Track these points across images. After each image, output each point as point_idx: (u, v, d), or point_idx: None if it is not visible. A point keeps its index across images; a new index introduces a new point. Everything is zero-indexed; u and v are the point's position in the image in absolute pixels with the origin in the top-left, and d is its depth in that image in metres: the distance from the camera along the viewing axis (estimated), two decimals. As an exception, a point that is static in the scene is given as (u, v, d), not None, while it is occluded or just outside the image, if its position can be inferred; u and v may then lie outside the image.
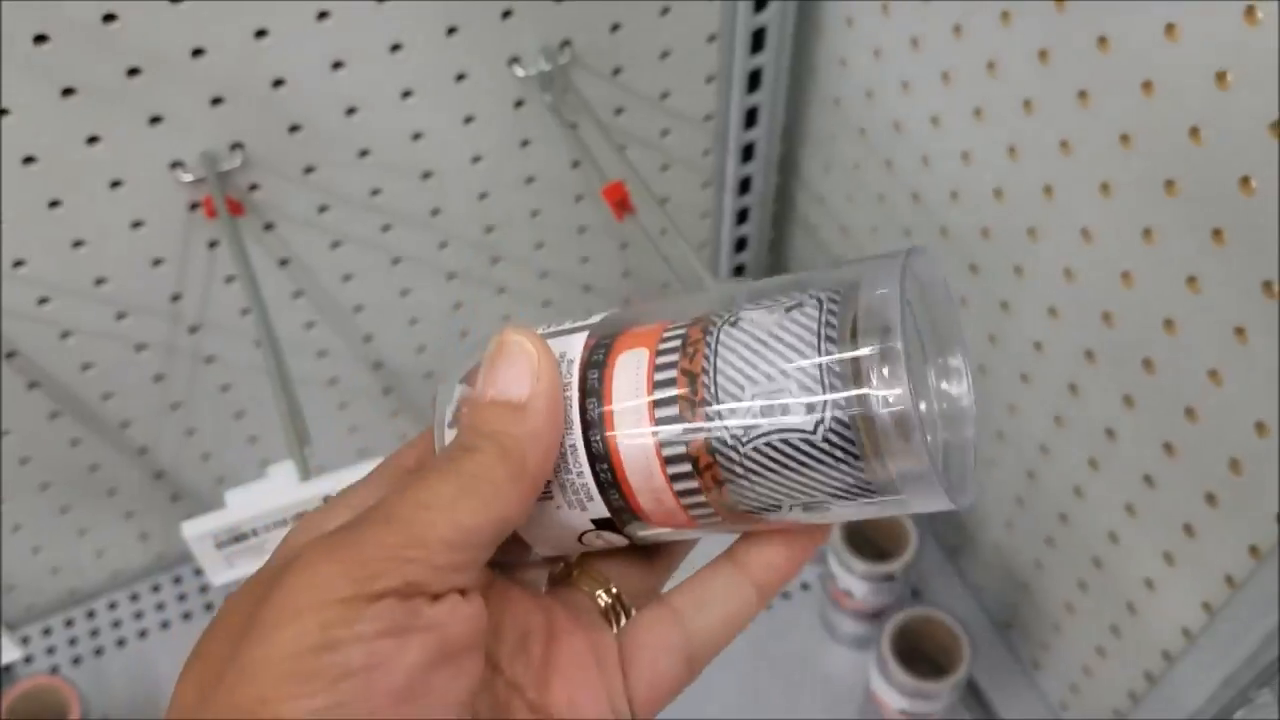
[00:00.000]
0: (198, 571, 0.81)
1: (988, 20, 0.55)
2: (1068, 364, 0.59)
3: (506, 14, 0.59)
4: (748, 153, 0.75)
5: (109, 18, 0.50)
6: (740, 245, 0.83)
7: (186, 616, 0.79)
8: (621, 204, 0.58)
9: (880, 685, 0.66)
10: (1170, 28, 0.44)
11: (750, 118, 0.73)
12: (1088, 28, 0.49)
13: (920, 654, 0.67)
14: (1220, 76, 0.43)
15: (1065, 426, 0.61)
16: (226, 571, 0.47)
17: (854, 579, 0.69)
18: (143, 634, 0.79)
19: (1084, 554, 0.63)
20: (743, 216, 0.81)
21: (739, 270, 0.86)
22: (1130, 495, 0.58)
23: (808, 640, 0.77)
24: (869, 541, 0.70)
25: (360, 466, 0.45)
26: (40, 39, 0.50)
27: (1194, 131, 0.45)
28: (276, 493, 0.45)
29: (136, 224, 0.59)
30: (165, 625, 0.79)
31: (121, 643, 0.78)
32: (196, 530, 0.45)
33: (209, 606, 0.80)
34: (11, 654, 0.59)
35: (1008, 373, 0.64)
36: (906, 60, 0.63)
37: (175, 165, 0.57)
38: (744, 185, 0.78)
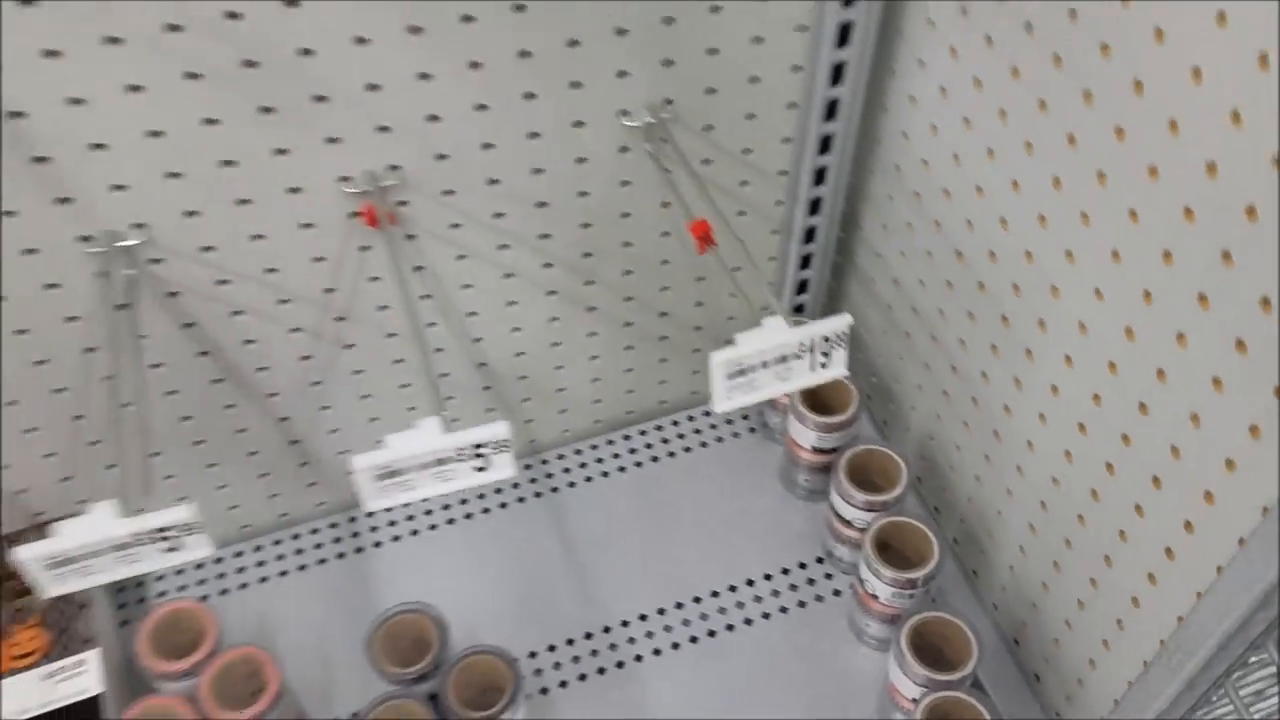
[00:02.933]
0: (314, 530, 0.90)
1: (1028, 107, 0.62)
2: (1078, 406, 0.65)
3: (622, 74, 0.68)
4: (815, 206, 0.83)
5: (306, 51, 0.60)
6: (801, 287, 0.91)
7: (302, 568, 0.88)
8: (705, 238, 0.66)
9: (897, 676, 0.72)
10: (1174, 124, 0.51)
11: (819, 176, 0.80)
12: (1106, 122, 0.56)
13: (935, 652, 0.73)
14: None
15: (1072, 462, 0.67)
16: (380, 499, 0.55)
17: (881, 584, 0.75)
18: (263, 580, 0.87)
19: (1084, 575, 0.69)
20: (805, 262, 0.88)
21: (799, 309, 0.93)
22: (1123, 523, 0.63)
23: (837, 640, 0.83)
24: (897, 552, 0.76)
25: (492, 426, 0.54)
26: (249, 64, 0.59)
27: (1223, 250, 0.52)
28: (424, 440, 0.53)
29: (306, 225, 0.68)
30: (283, 574, 0.88)
31: (244, 586, 0.87)
32: (364, 463, 0.54)
33: (321, 561, 0.89)
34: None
35: (1028, 412, 0.71)
36: (959, 136, 0.70)
37: (343, 179, 0.67)
38: (809, 234, 0.86)
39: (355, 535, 0.90)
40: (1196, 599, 0.57)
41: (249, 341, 0.74)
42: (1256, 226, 0.47)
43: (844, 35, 0.71)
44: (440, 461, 0.54)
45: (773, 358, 0.54)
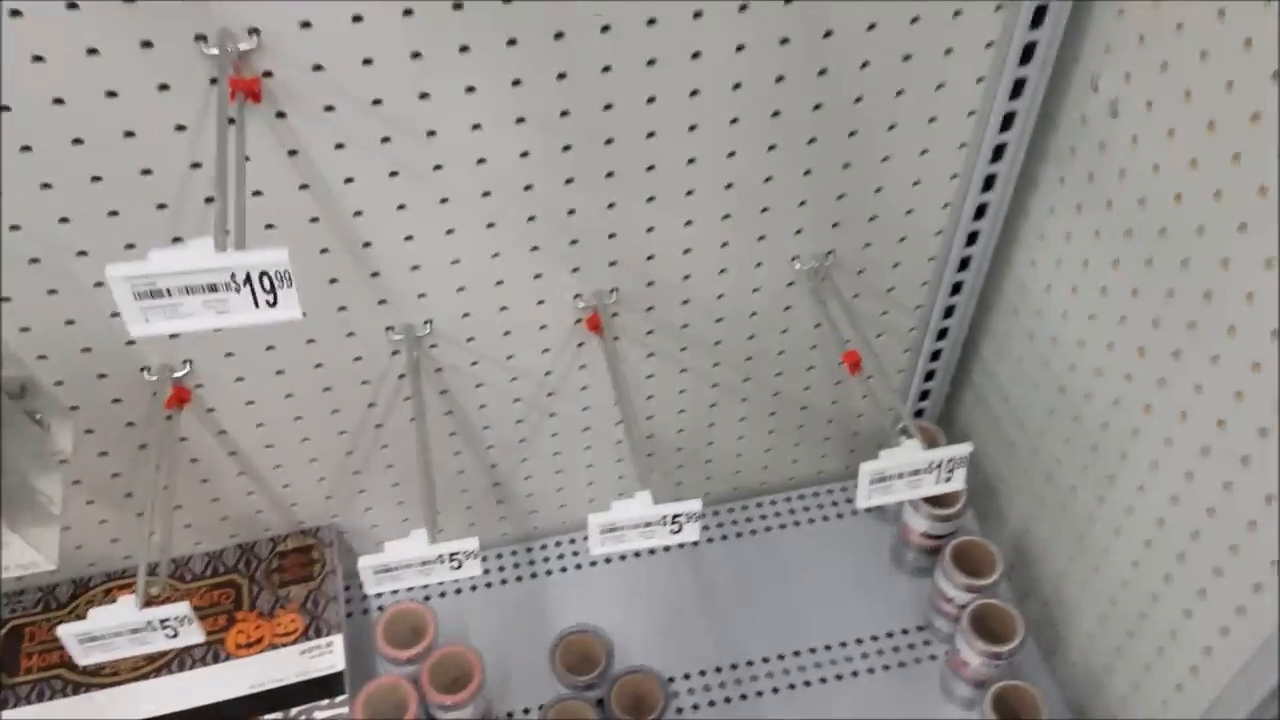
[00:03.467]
0: (499, 555, 1.10)
1: (1126, 272, 0.78)
2: (1147, 528, 0.80)
3: (799, 231, 0.86)
4: (942, 334, 1.00)
5: (570, 212, 0.80)
6: (923, 395, 1.07)
7: (489, 585, 1.08)
8: (855, 365, 0.83)
9: (979, 733, 0.88)
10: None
11: (948, 311, 0.97)
12: (1193, 288, 0.72)
13: (1012, 715, 0.88)
14: None
15: (1137, 568, 0.82)
16: (604, 547, 0.72)
17: (973, 654, 0.91)
18: (458, 592, 1.07)
19: (1140, 662, 0.84)
20: (929, 376, 1.04)
21: (919, 413, 1.09)
22: (1185, 611, 0.78)
23: (929, 698, 0.98)
24: (988, 628, 0.92)
25: (689, 503, 0.71)
26: (531, 219, 0.79)
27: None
28: (639, 510, 0.71)
29: (542, 326, 0.88)
30: (473, 589, 1.07)
31: (442, 595, 1.07)
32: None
33: (503, 582, 1.08)
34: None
35: (1109, 525, 0.86)
36: (1067, 299, 0.86)
37: (577, 296, 0.86)
38: (935, 355, 1.02)
39: (531, 563, 1.09)
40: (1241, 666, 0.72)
41: (482, 406, 0.94)
42: (1289, 420, 0.62)
43: (979, 211, 0.88)
44: (647, 524, 0.72)
45: (907, 471, 0.71)
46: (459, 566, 0.71)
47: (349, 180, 0.73)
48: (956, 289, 0.95)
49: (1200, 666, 0.76)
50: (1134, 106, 0.73)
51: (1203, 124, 0.66)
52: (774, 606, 1.04)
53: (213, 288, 0.49)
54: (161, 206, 0.70)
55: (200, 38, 0.61)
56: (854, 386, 1.04)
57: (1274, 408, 0.64)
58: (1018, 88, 0.79)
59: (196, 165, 0.68)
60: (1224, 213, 0.66)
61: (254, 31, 0.62)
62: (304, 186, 0.72)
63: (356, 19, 0.63)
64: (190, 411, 0.84)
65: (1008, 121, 0.81)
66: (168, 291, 0.48)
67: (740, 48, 0.71)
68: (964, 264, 0.93)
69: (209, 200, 0.70)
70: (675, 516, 0.70)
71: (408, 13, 0.64)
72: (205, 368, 0.83)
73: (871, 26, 0.72)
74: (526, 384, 0.93)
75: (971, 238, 0.90)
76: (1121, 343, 0.80)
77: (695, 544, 1.10)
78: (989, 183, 0.86)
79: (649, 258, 0.85)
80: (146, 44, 0.61)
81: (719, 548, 1.10)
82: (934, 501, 0.99)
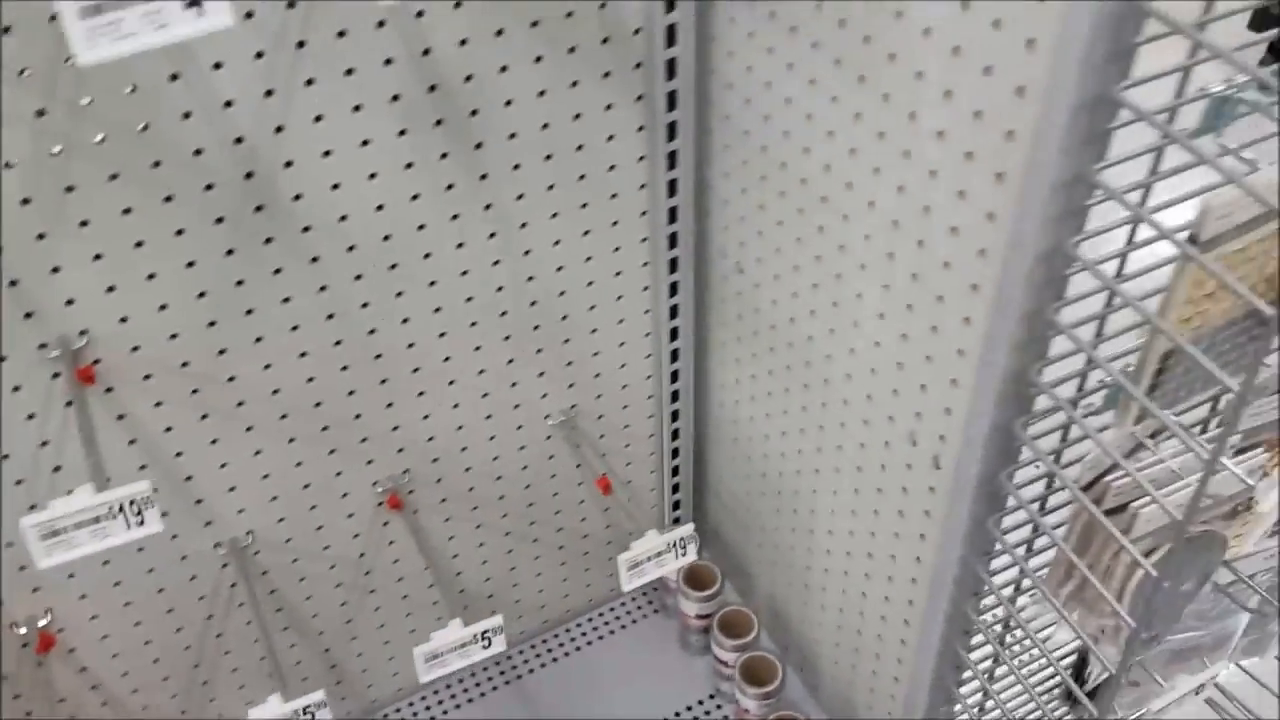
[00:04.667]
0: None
1: (779, 382, 1.04)
2: (838, 575, 1.05)
3: (544, 395, 1.08)
4: (676, 453, 1.24)
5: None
6: (676, 505, 1.30)
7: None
8: (606, 488, 1.05)
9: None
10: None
11: (675, 435, 1.21)
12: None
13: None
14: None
15: (847, 595, 1.06)
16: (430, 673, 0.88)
17: (749, 700, 1.11)
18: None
19: (867, 676, 1.07)
20: (676, 489, 1.28)
21: (676, 520, 1.32)
22: (877, 636, 1.02)
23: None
24: (758, 677, 1.12)
25: (492, 619, 0.89)
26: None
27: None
28: (451, 636, 0.88)
29: (350, 515, 1.04)
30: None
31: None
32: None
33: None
34: None
35: (818, 574, 1.10)
36: (761, 422, 1.12)
37: (375, 483, 1.03)
38: (676, 470, 1.26)
39: None
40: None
41: (308, 598, 1.08)
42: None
43: (674, 377, 1.14)
44: (462, 644, 0.89)
45: (654, 554, 0.93)
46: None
47: (168, 429, 0.88)
48: (676, 416, 1.20)
49: (899, 675, 1.00)
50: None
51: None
52: (594, 699, 1.21)
53: (96, 519, 0.64)
54: (19, 482, 0.83)
55: (42, 345, 0.77)
56: (620, 509, 1.26)
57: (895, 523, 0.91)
58: (675, 267, 1.06)
59: (44, 444, 0.82)
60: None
61: (83, 333, 0.78)
62: (132, 442, 0.87)
63: (163, 307, 0.81)
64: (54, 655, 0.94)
65: (674, 289, 1.08)
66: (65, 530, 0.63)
67: (464, 273, 0.94)
68: (675, 396, 1.18)
69: (56, 469, 0.84)
70: (484, 633, 0.87)
71: (201, 295, 0.82)
72: (62, 613, 0.93)
73: (557, 242, 0.97)
74: (345, 569, 1.08)
75: (674, 376, 1.16)
76: (789, 451, 1.06)
77: (520, 678, 1.26)
78: (675, 332, 1.12)
79: (429, 439, 1.04)
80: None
81: (540, 676, 1.26)
82: (696, 586, 1.20)
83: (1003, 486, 0.75)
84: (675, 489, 1.28)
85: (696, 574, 1.23)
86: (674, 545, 0.93)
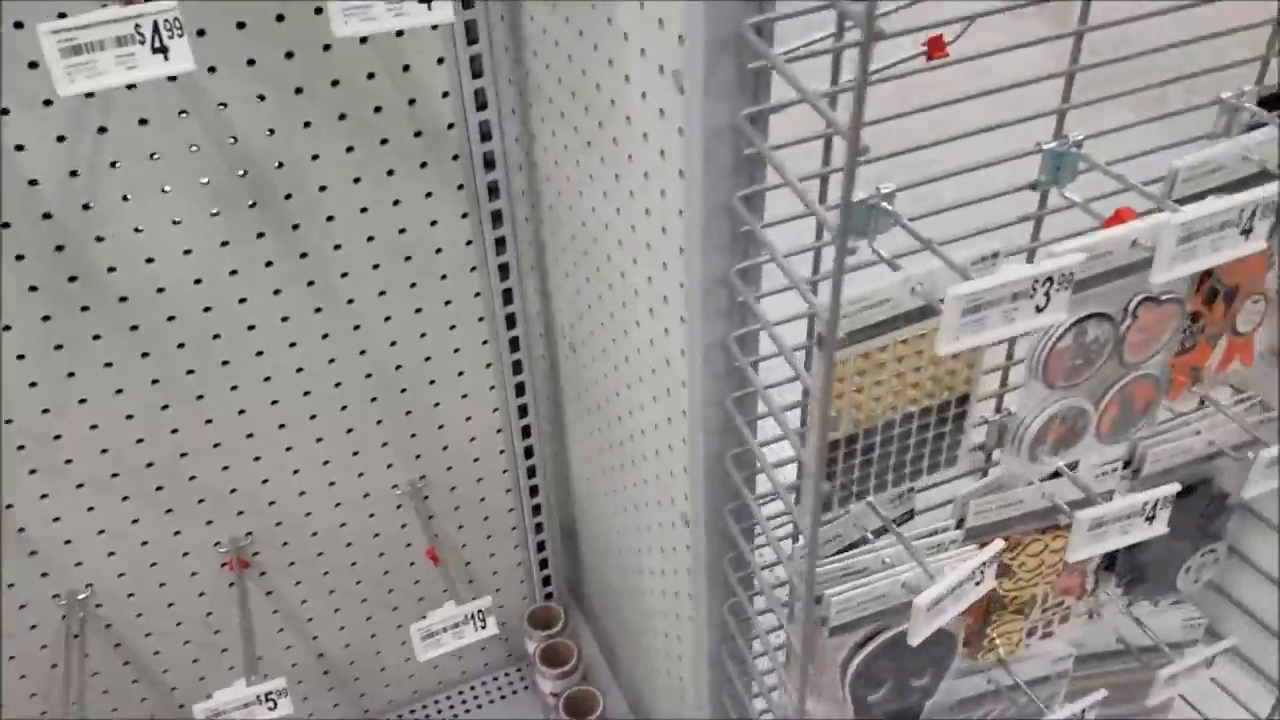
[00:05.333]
0: None
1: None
2: (662, 617, 1.05)
3: (389, 465, 1.12)
4: (540, 528, 1.25)
5: (193, 478, 1.02)
6: (546, 580, 1.31)
7: None
8: (434, 559, 1.07)
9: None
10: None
11: (536, 510, 1.23)
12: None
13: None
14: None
15: (668, 639, 1.06)
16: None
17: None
18: None
19: (676, 674, 1.06)
20: (544, 564, 1.29)
21: (549, 596, 1.33)
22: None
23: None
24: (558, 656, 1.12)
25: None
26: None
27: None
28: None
29: (193, 573, 1.08)
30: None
31: None
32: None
33: None
34: None
35: (652, 634, 1.10)
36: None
37: (217, 544, 1.07)
38: (541, 545, 1.27)
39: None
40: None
41: (156, 652, 1.11)
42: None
43: (529, 453, 1.17)
44: (245, 704, 0.91)
45: (451, 624, 0.94)
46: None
47: (-1, 482, 0.94)
48: (536, 491, 1.22)
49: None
50: (582, 345, 1.04)
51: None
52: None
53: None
54: None
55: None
56: (485, 583, 1.27)
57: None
58: (517, 346, 1.10)
59: None
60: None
61: None
62: (-42, 491, 0.92)
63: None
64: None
65: (518, 367, 1.12)
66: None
67: (292, 344, 0.98)
68: (532, 472, 1.20)
69: None
70: (269, 694, 0.90)
71: (20, 356, 0.88)
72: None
73: (388, 319, 1.02)
74: (192, 627, 1.12)
75: (529, 451, 1.18)
76: (626, 528, 1.07)
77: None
78: (524, 409, 1.15)
79: (270, 503, 1.08)
80: None
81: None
82: (550, 664, 1.21)
83: (729, 575, 0.76)
84: (544, 564, 1.29)
85: (556, 651, 1.24)
86: (472, 617, 0.94)
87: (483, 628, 0.94)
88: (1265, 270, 0.72)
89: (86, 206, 0.84)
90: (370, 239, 0.96)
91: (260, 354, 0.98)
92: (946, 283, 0.52)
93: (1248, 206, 0.52)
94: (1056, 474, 0.70)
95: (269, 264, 0.93)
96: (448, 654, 1.29)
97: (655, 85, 0.65)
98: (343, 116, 0.89)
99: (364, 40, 0.87)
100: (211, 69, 0.83)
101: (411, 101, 0.91)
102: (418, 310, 1.03)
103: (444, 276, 1.02)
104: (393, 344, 1.03)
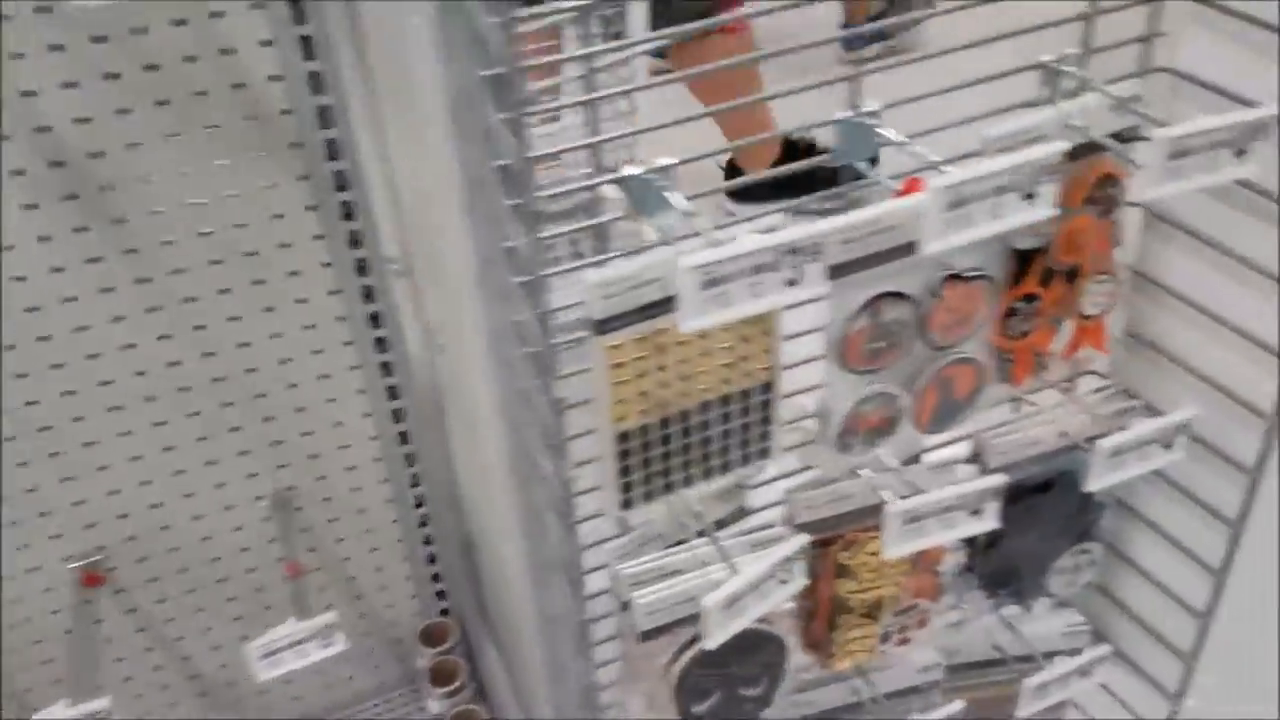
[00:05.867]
0: None
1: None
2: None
3: (252, 475, 1.06)
4: (428, 541, 1.20)
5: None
6: (440, 595, 1.25)
7: None
8: (295, 573, 1.01)
9: None
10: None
11: (423, 521, 1.18)
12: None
13: None
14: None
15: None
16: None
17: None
18: None
19: None
20: (436, 577, 1.23)
21: (444, 611, 1.27)
22: None
23: None
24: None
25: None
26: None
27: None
28: None
29: (47, 589, 1.02)
30: None
31: None
32: None
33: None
34: None
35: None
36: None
37: (67, 558, 1.02)
38: (436, 577, 1.21)
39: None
40: None
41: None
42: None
43: (410, 460, 1.11)
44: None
45: (294, 641, 0.89)
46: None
47: None
48: (421, 501, 1.16)
49: None
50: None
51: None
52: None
53: None
54: None
55: None
56: (373, 597, 1.22)
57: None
58: (385, 346, 1.05)
59: None
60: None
61: None
62: None
63: None
64: None
65: (388, 368, 1.06)
66: None
67: (129, 346, 0.93)
68: (415, 481, 1.15)
69: None
70: (96, 714, 0.84)
71: None
72: None
73: (235, 319, 0.96)
74: (51, 646, 1.06)
75: (410, 459, 1.13)
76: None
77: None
78: (399, 414, 1.10)
79: (122, 516, 1.02)
80: None
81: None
82: (437, 683, 1.15)
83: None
84: (437, 577, 1.24)
85: (444, 669, 1.18)
86: (318, 634, 0.89)
87: (328, 645, 0.89)
88: (1110, 248, 0.66)
89: (-120, 200, 0.79)
90: (206, 234, 0.91)
91: (94, 356, 0.92)
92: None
93: (1023, 169, 0.47)
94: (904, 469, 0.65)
95: (94, 260, 0.88)
96: (340, 675, 1.25)
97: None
98: (162, 103, 0.84)
99: (181, 22, 0.82)
100: (20, 55, 0.78)
101: (237, 86, 0.86)
102: (268, 309, 0.97)
103: (294, 273, 0.97)
104: (243, 345, 0.98)
